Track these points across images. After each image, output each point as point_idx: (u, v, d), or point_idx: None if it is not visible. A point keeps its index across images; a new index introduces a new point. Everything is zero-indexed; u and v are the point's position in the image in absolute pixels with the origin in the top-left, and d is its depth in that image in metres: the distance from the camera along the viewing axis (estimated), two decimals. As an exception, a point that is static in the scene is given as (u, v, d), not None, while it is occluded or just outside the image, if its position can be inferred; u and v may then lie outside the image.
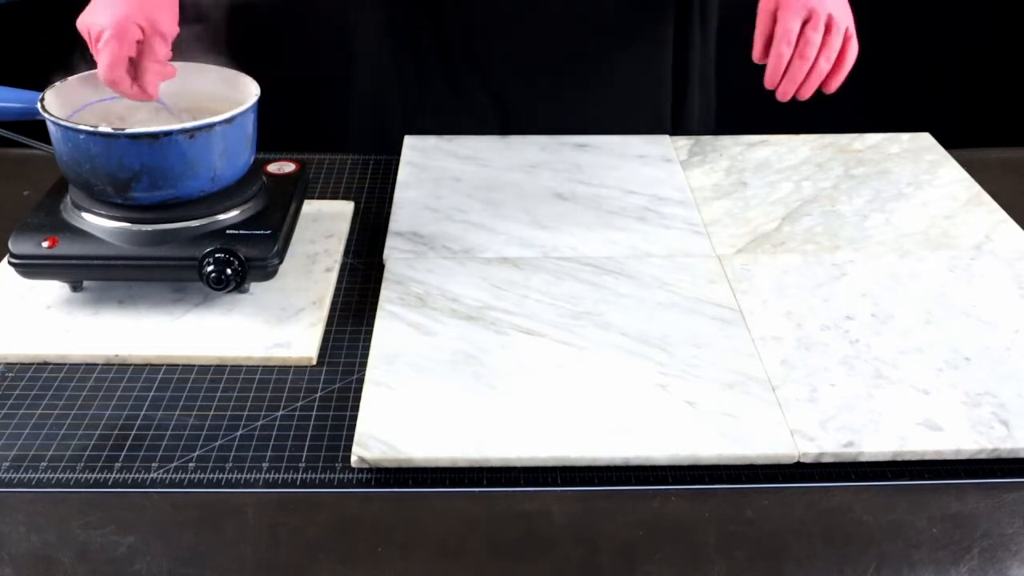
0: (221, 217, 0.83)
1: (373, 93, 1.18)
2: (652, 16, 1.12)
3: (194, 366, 0.78)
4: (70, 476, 0.68)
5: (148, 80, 0.82)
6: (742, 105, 1.30)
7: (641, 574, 0.62)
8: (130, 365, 0.79)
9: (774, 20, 0.88)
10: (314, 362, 0.79)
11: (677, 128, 1.16)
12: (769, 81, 0.88)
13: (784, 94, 0.89)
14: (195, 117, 0.83)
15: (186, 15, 0.84)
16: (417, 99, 1.15)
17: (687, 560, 0.63)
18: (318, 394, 0.76)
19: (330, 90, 1.43)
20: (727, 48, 1.23)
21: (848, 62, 0.89)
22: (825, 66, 0.88)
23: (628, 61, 1.12)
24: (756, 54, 0.90)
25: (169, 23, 0.82)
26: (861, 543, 0.64)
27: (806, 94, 0.89)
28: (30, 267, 0.82)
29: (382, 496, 0.67)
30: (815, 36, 0.87)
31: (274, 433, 0.72)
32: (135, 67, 0.82)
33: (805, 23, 0.87)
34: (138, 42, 0.81)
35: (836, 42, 0.88)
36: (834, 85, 0.89)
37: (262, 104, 0.86)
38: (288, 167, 0.93)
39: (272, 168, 0.92)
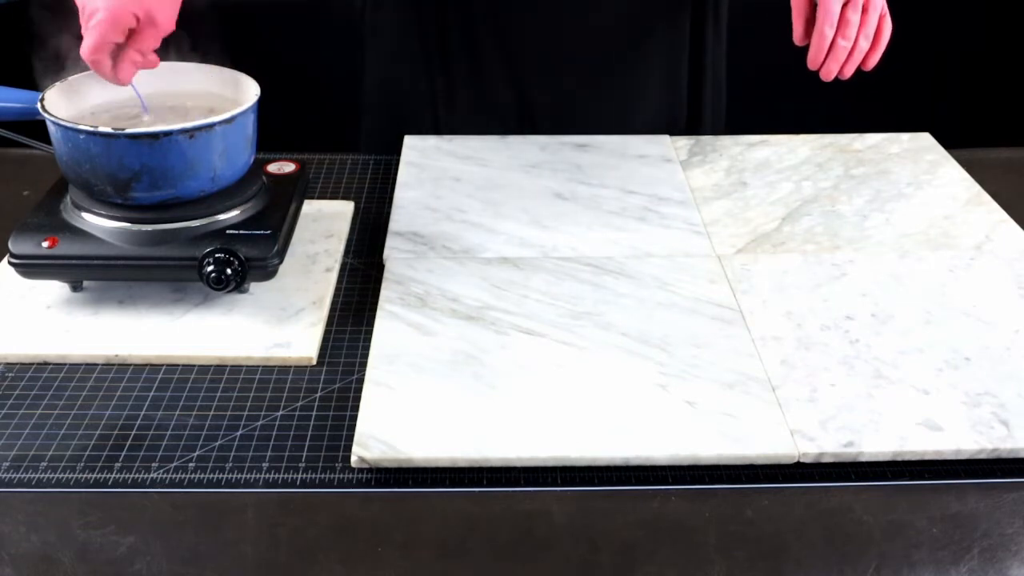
0: (221, 217, 0.83)
1: (387, 92, 1.18)
2: (671, 13, 1.12)
3: (194, 366, 0.78)
4: (70, 476, 0.68)
5: (125, 67, 0.82)
6: (742, 104, 1.30)
7: (641, 574, 0.62)
8: (130, 365, 0.79)
9: (812, 3, 0.91)
10: (314, 362, 0.79)
11: (692, 125, 1.17)
12: (812, 62, 0.91)
13: (828, 74, 0.91)
14: (195, 117, 0.83)
15: (188, 14, 0.84)
16: (442, 97, 1.15)
17: (687, 560, 0.63)
18: (318, 394, 0.76)
19: (331, 90, 1.44)
20: (727, 48, 1.23)
21: (884, 39, 0.92)
22: (864, 44, 0.91)
23: (648, 57, 1.13)
24: (797, 36, 0.92)
25: (166, 18, 0.82)
26: (861, 543, 0.64)
27: (848, 73, 0.92)
28: (30, 267, 0.82)
29: (382, 496, 0.67)
30: (854, 17, 0.89)
31: (274, 433, 0.72)
32: (120, 52, 0.81)
33: (844, 5, 0.89)
34: (131, 30, 0.80)
35: (873, 20, 0.90)
36: (872, 63, 0.92)
37: (262, 104, 0.86)
38: (288, 167, 0.93)
39: (272, 168, 0.92)
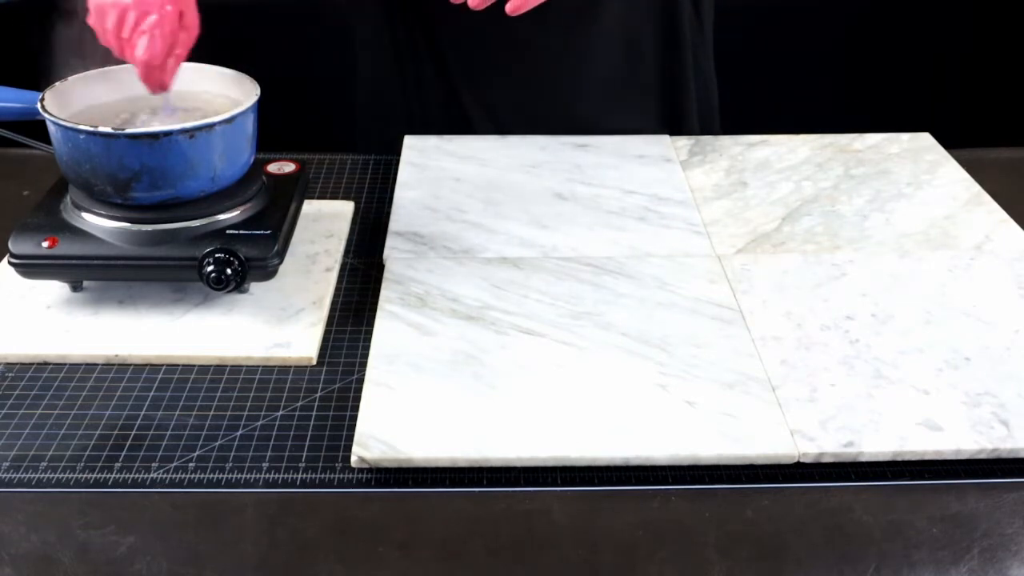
0: (221, 217, 0.83)
1: (374, 94, 1.19)
2: (635, 16, 1.12)
3: (194, 366, 0.78)
4: (70, 476, 0.68)
5: (170, 73, 0.83)
6: (741, 104, 1.30)
7: (641, 574, 0.62)
8: (130, 365, 0.79)
9: None
10: (314, 362, 0.79)
11: (675, 126, 1.16)
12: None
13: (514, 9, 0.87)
14: (195, 117, 0.83)
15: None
16: (415, 106, 1.15)
17: (687, 560, 0.63)
18: (318, 394, 0.76)
19: (330, 90, 1.44)
20: (725, 48, 1.23)
21: None
22: None
23: (614, 60, 1.12)
24: None
25: (196, 21, 0.83)
26: (861, 543, 0.64)
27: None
28: (30, 267, 0.82)
29: (382, 496, 0.68)
30: None
31: (274, 433, 0.72)
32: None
33: None
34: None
35: None
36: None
37: (262, 104, 0.86)
38: (288, 167, 0.93)
39: (272, 168, 0.92)
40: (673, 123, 1.16)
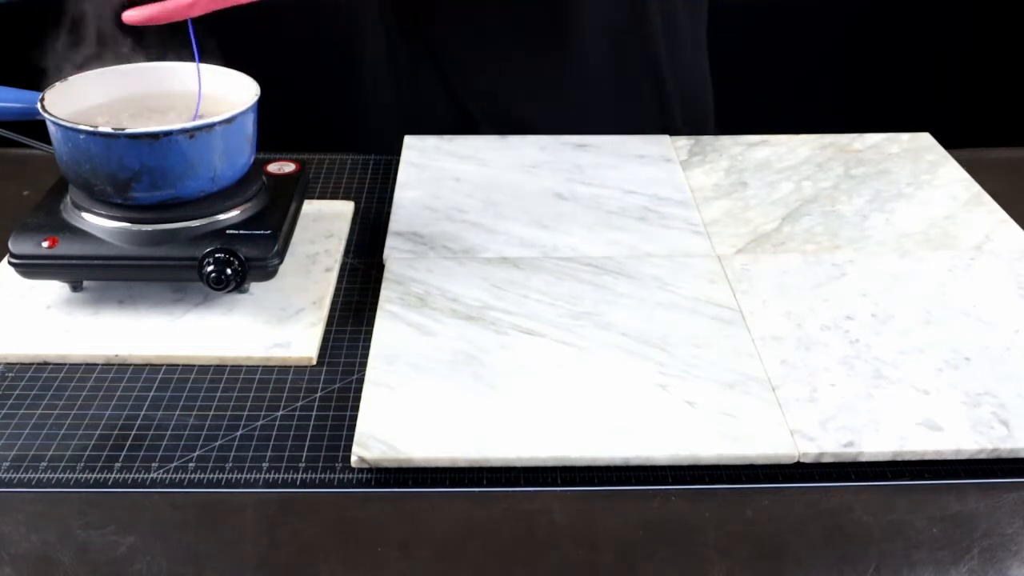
0: (221, 217, 0.83)
1: (373, 94, 1.19)
2: (635, 13, 1.12)
3: (194, 366, 0.78)
4: (70, 476, 0.68)
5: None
6: (741, 104, 1.30)
7: (641, 574, 0.62)
8: (130, 365, 0.79)
9: None
10: (314, 362, 0.79)
11: (666, 124, 1.16)
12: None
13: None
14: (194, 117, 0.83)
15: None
16: (413, 107, 1.15)
17: (687, 560, 0.63)
18: (318, 394, 0.76)
19: (330, 90, 1.44)
20: (723, 48, 1.23)
21: None
22: None
23: (612, 60, 1.12)
24: None
25: None
26: (861, 543, 0.64)
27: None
28: (30, 267, 0.82)
29: (382, 496, 0.68)
30: None
31: (274, 433, 0.72)
32: None
33: None
34: None
35: None
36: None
37: (262, 104, 0.86)
38: (288, 167, 0.93)
39: (272, 168, 0.92)
40: (663, 120, 1.16)
